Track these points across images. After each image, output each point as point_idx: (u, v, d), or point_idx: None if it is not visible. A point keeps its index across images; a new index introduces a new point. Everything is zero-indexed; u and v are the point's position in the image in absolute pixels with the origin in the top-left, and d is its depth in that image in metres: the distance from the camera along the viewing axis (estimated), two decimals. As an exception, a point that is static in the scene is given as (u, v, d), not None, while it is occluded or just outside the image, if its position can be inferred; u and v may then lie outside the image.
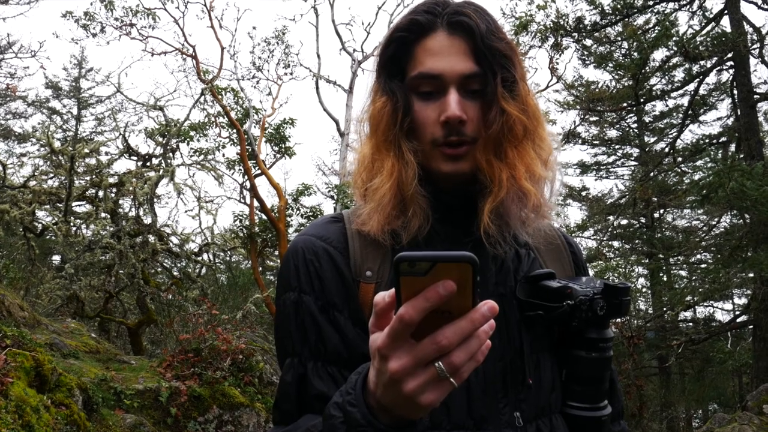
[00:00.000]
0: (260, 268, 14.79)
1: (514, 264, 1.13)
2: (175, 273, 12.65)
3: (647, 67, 11.07)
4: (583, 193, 20.09)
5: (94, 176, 10.76)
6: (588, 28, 11.33)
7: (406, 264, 0.66)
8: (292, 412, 1.05)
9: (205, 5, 13.95)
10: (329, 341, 1.05)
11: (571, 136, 16.63)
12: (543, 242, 1.19)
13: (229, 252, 14.88)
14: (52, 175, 11.25)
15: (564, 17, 11.15)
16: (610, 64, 14.86)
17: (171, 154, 11.44)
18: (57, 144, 11.54)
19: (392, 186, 1.06)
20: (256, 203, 13.82)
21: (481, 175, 1.06)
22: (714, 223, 15.19)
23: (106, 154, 11.56)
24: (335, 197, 14.63)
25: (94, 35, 13.53)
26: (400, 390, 0.71)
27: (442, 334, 0.68)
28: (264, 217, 13.69)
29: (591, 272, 1.35)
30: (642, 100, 12.11)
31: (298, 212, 14.99)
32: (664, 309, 15.30)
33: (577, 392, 1.10)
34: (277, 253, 14.40)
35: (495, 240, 1.07)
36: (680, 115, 15.85)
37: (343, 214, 1.20)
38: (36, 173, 10.99)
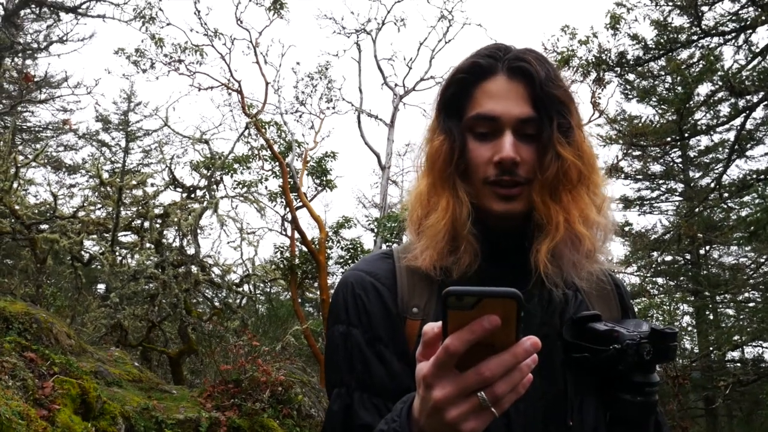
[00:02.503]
0: (300, 300, 14.86)
1: (561, 305, 1.13)
2: (216, 303, 12.78)
3: (692, 102, 10.93)
4: (626, 229, 19.79)
5: (140, 207, 10.99)
6: (631, 62, 11.26)
7: (453, 298, 0.70)
8: None
9: (250, 42, 14.32)
10: (375, 374, 1.07)
11: (613, 171, 16.45)
12: (592, 284, 1.19)
13: (269, 283, 15.00)
14: (100, 205, 11.53)
15: (606, 52, 11.11)
16: (654, 99, 14.75)
17: (215, 187, 11.65)
18: (105, 176, 11.85)
19: (446, 224, 1.09)
20: (297, 235, 13.96)
21: (537, 216, 1.08)
22: (762, 260, 14.79)
23: (152, 185, 11.82)
24: (375, 230, 14.69)
25: (144, 71, 13.99)
26: (442, 418, 0.74)
27: (486, 366, 0.71)
28: (304, 249, 13.80)
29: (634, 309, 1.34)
30: (686, 134, 11.95)
31: (338, 245, 15.10)
32: (711, 348, 14.86)
33: None
34: (316, 284, 14.46)
35: (552, 280, 1.08)
36: (726, 150, 15.60)
37: (393, 250, 1.22)
38: (85, 204, 11.28)
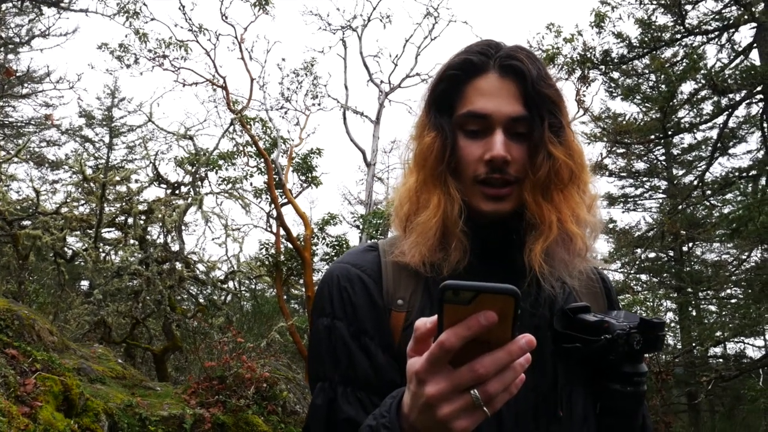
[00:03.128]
0: (285, 297, 14.83)
1: (550, 297, 1.13)
2: (200, 300, 12.73)
3: (675, 100, 11.00)
4: (610, 226, 19.91)
5: (124, 203, 10.92)
6: (615, 60, 11.34)
7: (450, 292, 0.68)
8: None
9: (236, 37, 14.22)
10: (359, 367, 1.07)
11: (598, 168, 16.55)
12: (582, 282, 1.19)
13: (254, 280, 14.95)
14: (83, 202, 11.44)
15: (591, 50, 11.18)
16: (638, 97, 14.84)
17: (200, 183, 11.59)
18: (89, 171, 11.76)
19: (438, 221, 1.08)
20: (282, 232, 13.90)
21: (529, 215, 1.08)
22: (744, 257, 14.93)
23: (136, 181, 11.73)
24: (361, 227, 14.68)
25: (128, 66, 13.85)
26: (434, 414, 0.73)
27: (480, 362, 0.70)
28: (290, 245, 13.76)
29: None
30: (670, 132, 12.04)
31: (323, 241, 15.05)
32: (693, 344, 15.04)
33: (611, 426, 1.10)
34: (302, 281, 14.43)
35: (548, 280, 1.08)
36: (709, 148, 15.71)
37: (378, 243, 1.22)
38: (68, 200, 11.18)
